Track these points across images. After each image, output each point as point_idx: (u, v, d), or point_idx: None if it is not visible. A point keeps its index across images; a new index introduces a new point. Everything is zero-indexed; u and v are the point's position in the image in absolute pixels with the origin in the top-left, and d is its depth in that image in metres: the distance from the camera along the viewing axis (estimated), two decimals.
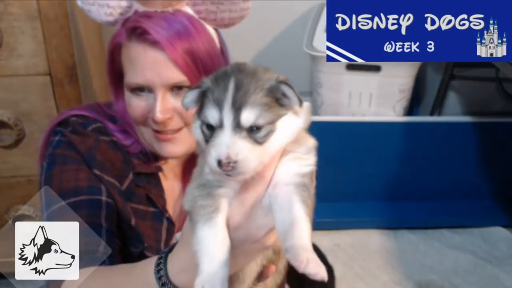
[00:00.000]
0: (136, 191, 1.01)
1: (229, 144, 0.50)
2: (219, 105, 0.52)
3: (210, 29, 0.98)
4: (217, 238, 0.53)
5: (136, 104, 0.95)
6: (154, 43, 0.90)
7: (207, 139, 0.54)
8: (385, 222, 2.17)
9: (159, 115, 0.91)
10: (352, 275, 1.89)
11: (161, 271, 0.66)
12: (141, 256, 0.97)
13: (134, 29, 0.92)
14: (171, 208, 1.06)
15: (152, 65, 0.91)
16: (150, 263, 0.72)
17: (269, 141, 0.52)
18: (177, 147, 0.97)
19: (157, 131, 0.96)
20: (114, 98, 1.02)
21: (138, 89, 0.94)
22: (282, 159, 0.58)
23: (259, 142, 0.52)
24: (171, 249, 0.69)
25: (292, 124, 0.54)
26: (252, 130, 0.52)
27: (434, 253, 2.04)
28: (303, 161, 0.58)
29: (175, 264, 0.66)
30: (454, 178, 2.13)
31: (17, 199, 1.62)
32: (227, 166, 0.50)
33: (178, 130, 0.96)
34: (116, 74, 0.99)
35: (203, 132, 0.55)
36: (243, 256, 0.60)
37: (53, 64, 1.44)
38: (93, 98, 1.74)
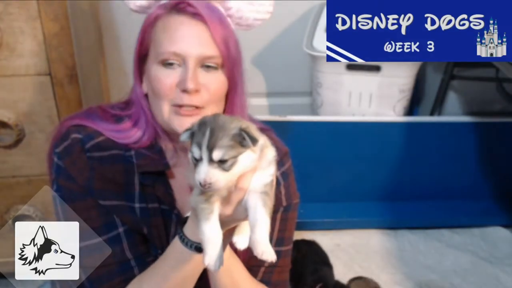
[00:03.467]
0: (145, 191, 1.02)
1: (205, 172, 0.77)
2: (199, 146, 0.78)
3: (232, 26, 1.02)
4: (214, 230, 0.81)
5: (166, 76, 0.96)
6: (196, 15, 0.94)
7: (194, 166, 0.80)
8: (385, 222, 2.17)
9: (190, 83, 0.93)
10: (352, 275, 1.89)
11: (184, 238, 0.90)
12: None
13: (177, 4, 0.96)
14: (181, 204, 1.07)
15: (190, 35, 0.94)
16: (173, 243, 0.92)
17: (233, 169, 0.79)
18: None
19: (179, 106, 0.97)
20: (136, 81, 1.04)
21: (170, 63, 0.96)
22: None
23: (226, 170, 0.78)
24: (181, 227, 0.92)
25: (249, 158, 0.80)
26: (221, 162, 0.77)
27: (434, 253, 2.04)
28: (265, 172, 0.84)
29: (188, 232, 0.90)
30: (454, 178, 2.13)
31: (17, 199, 1.61)
32: (205, 186, 0.77)
33: (199, 109, 0.98)
34: (141, 55, 1.01)
35: (192, 160, 0.81)
36: (229, 227, 0.88)
37: (53, 64, 1.44)
38: (93, 99, 1.74)
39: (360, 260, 1.99)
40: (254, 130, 0.82)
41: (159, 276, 0.94)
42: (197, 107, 0.97)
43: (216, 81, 0.97)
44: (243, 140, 0.79)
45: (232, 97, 1.02)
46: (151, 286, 0.95)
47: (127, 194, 1.01)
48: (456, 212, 2.17)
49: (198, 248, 0.89)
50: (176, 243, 0.92)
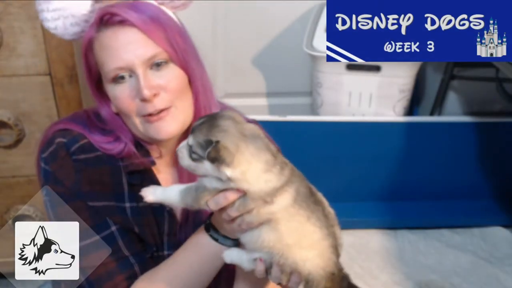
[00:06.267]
0: (134, 191, 1.01)
1: (181, 145, 0.86)
2: (194, 126, 0.84)
3: (170, 12, 1.00)
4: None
5: (121, 92, 0.95)
6: (123, 22, 0.92)
7: None
8: (385, 222, 2.17)
9: (145, 91, 0.91)
10: (352, 275, 1.88)
11: (212, 232, 0.93)
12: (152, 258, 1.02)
13: (101, 18, 0.93)
14: None
15: (126, 45, 0.92)
16: (198, 231, 0.96)
17: (196, 164, 0.83)
18: (171, 125, 0.97)
19: (147, 115, 0.96)
20: (99, 104, 1.03)
21: (120, 77, 0.94)
22: None
23: (191, 157, 0.83)
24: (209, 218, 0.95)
25: (209, 170, 0.81)
26: (191, 149, 0.83)
27: (434, 253, 2.04)
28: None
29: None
30: (454, 178, 2.13)
31: (17, 199, 1.62)
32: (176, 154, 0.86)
33: (167, 109, 0.96)
34: (95, 79, 1.00)
35: None
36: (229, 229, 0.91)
37: (53, 64, 1.44)
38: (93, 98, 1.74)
39: (360, 260, 1.99)
40: (237, 155, 0.80)
41: (176, 264, 0.96)
42: (165, 109, 0.96)
43: (171, 76, 0.95)
44: (205, 148, 0.79)
45: (192, 84, 1.00)
46: (169, 273, 0.96)
47: (116, 195, 1.00)
48: (456, 212, 2.17)
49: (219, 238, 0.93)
50: (201, 232, 0.95)
